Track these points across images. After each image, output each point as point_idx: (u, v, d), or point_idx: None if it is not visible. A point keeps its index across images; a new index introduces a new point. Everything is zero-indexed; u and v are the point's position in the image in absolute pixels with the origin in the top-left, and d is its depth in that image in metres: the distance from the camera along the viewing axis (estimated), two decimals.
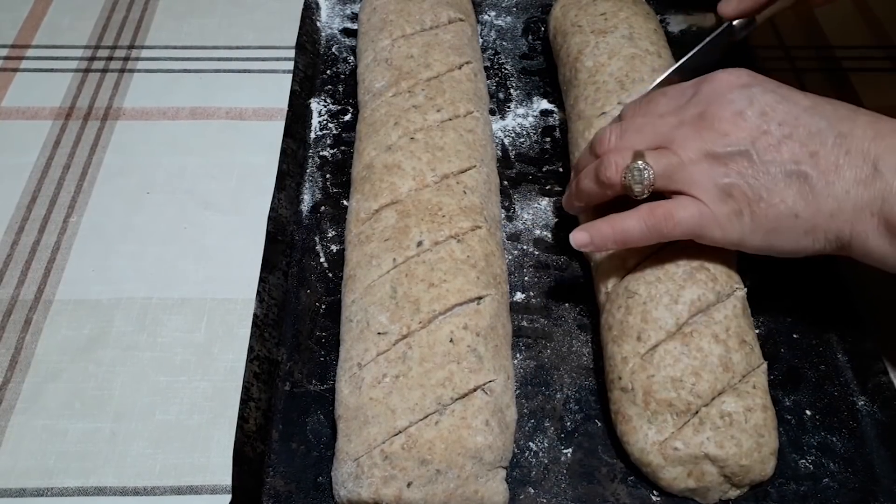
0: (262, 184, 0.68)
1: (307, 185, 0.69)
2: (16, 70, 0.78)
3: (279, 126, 0.70)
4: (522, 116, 0.75)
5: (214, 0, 0.86)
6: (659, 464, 0.50)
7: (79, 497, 0.52)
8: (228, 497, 0.49)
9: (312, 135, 0.73)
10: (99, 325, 0.60)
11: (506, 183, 0.69)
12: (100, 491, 0.52)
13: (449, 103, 0.65)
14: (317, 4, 0.83)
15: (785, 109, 0.50)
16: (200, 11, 0.85)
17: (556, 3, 0.76)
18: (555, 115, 0.75)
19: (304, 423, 0.55)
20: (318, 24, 0.82)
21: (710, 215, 0.50)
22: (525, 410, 0.56)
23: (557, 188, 0.69)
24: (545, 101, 0.76)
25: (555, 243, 0.65)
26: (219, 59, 0.80)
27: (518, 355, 0.58)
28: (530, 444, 0.54)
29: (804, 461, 0.53)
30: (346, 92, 0.76)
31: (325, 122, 0.74)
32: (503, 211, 0.67)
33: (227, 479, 0.52)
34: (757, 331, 0.57)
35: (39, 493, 0.52)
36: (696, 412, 0.50)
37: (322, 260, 0.64)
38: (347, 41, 0.81)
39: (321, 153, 0.71)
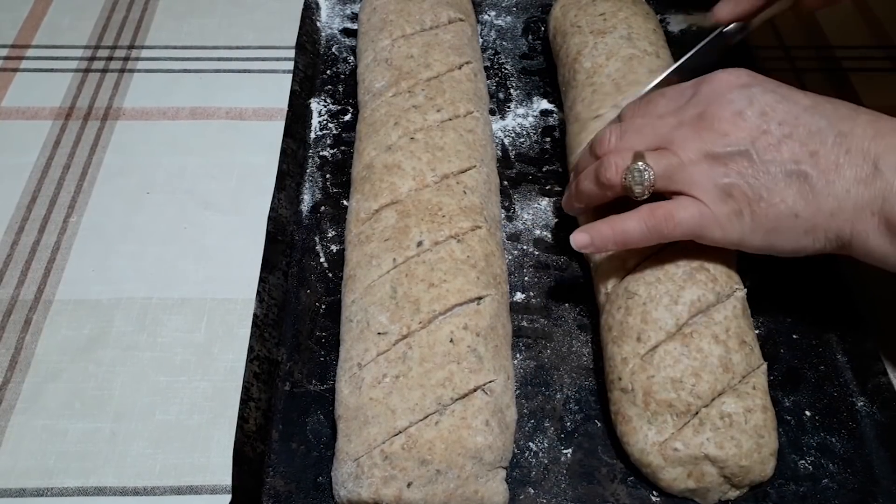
0: (262, 184, 0.68)
1: (307, 185, 0.69)
2: (16, 70, 0.78)
3: (279, 126, 0.70)
4: (522, 116, 0.75)
5: (214, 0, 0.86)
6: (659, 464, 0.50)
7: (79, 497, 0.52)
8: (228, 497, 0.50)
9: (312, 135, 0.73)
10: (99, 325, 0.60)
11: (506, 183, 0.69)
12: (100, 491, 0.52)
13: (449, 103, 0.65)
14: (317, 4, 0.83)
15: (785, 109, 0.50)
16: (200, 11, 0.85)
17: (556, 3, 0.76)
18: (555, 115, 0.75)
19: (304, 423, 0.55)
20: (318, 24, 0.82)
21: (711, 216, 0.50)
22: (525, 410, 0.56)
23: (557, 188, 0.69)
24: (545, 101, 0.76)
25: (555, 243, 0.65)
26: (219, 59, 0.80)
27: (518, 355, 0.58)
28: (530, 444, 0.54)
29: (804, 462, 0.53)
30: (346, 92, 0.76)
31: (325, 122, 0.74)
32: (503, 211, 0.67)
33: (227, 479, 0.52)
34: (757, 331, 0.57)
35: (39, 493, 0.52)
36: (696, 413, 0.50)
37: (322, 260, 0.64)
38: (347, 41, 0.81)
39: (321, 153, 0.71)
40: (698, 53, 0.62)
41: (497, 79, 0.78)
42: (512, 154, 0.72)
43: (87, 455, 0.54)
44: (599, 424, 0.55)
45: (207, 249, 0.65)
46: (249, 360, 0.55)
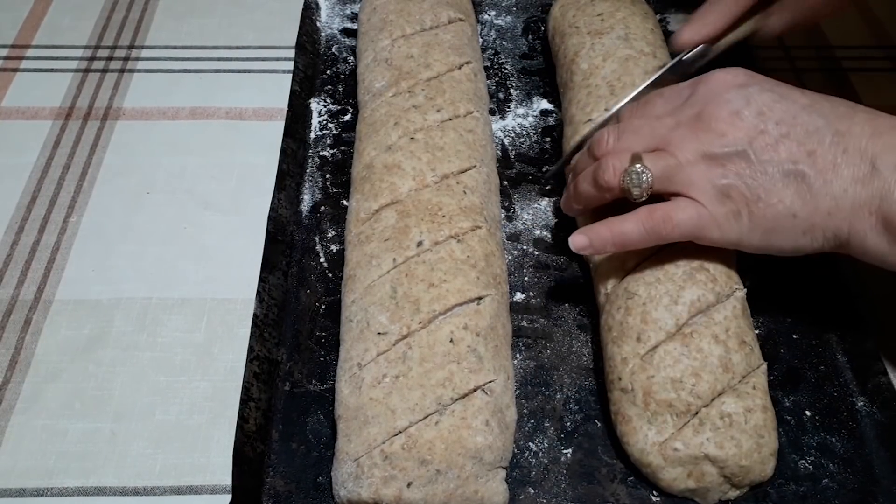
0: (262, 184, 0.68)
1: (307, 185, 0.69)
2: (16, 70, 0.78)
3: (279, 126, 0.70)
4: (522, 116, 0.75)
5: (214, 0, 0.86)
6: (659, 464, 0.50)
7: (79, 497, 0.52)
8: (228, 497, 0.50)
9: (312, 135, 0.73)
10: (99, 325, 0.60)
11: (506, 183, 0.69)
12: (100, 491, 0.52)
13: (449, 103, 0.65)
14: (317, 4, 0.83)
15: (782, 108, 0.50)
16: (200, 11, 0.85)
17: (555, 3, 0.76)
18: (555, 115, 0.75)
19: (304, 423, 0.55)
20: (318, 24, 0.82)
21: (709, 216, 0.50)
22: (525, 410, 0.56)
23: (557, 188, 0.69)
24: (545, 101, 0.76)
25: (555, 243, 0.65)
26: (219, 59, 0.80)
27: (518, 355, 0.58)
28: (530, 444, 0.54)
29: (804, 462, 0.53)
30: (346, 92, 0.76)
31: (325, 122, 0.74)
32: (503, 211, 0.67)
33: (227, 479, 0.52)
34: (757, 331, 0.57)
35: (39, 493, 0.52)
36: (696, 413, 0.50)
37: (322, 260, 0.64)
38: (347, 41, 0.81)
39: (321, 153, 0.71)
40: (658, 80, 0.61)
41: (497, 79, 0.78)
42: (512, 154, 0.72)
43: (87, 455, 0.54)
44: (599, 424, 0.55)
45: (207, 249, 0.65)
46: (249, 360, 0.55)
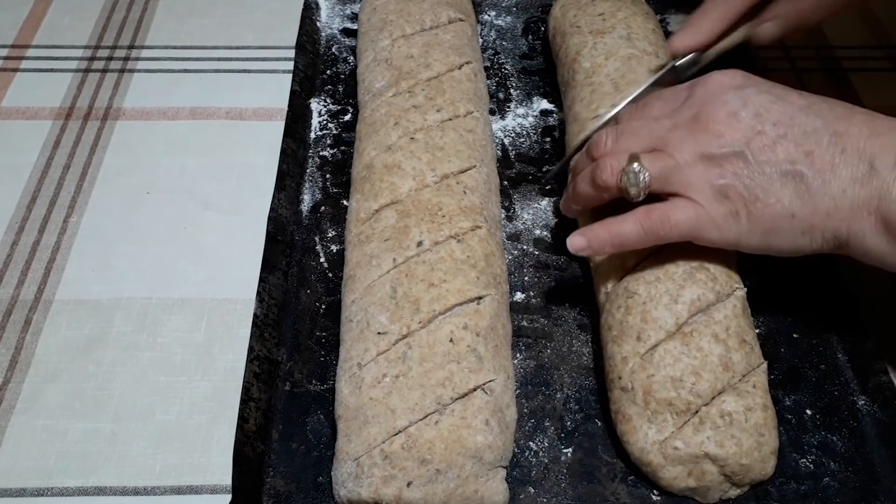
0: (262, 184, 0.68)
1: (307, 185, 0.69)
2: (16, 70, 0.78)
3: (279, 126, 0.70)
4: (522, 116, 0.75)
5: (214, 0, 0.86)
6: (659, 463, 0.50)
7: (79, 497, 0.52)
8: (228, 497, 0.49)
9: (312, 135, 0.73)
10: (99, 325, 0.60)
11: (506, 183, 0.69)
12: (100, 491, 0.52)
13: (449, 103, 0.65)
14: (317, 4, 0.83)
15: (780, 109, 0.50)
16: (200, 11, 0.85)
17: (556, 3, 0.76)
18: (555, 115, 0.75)
19: (304, 423, 0.55)
20: (318, 24, 0.82)
21: (707, 217, 0.50)
22: (525, 410, 0.56)
23: (557, 188, 0.69)
24: (545, 101, 0.76)
25: (555, 243, 0.65)
26: (219, 59, 0.80)
27: (518, 355, 0.58)
28: (530, 443, 0.54)
29: (804, 460, 0.53)
30: (346, 92, 0.76)
31: (325, 122, 0.74)
32: (503, 211, 0.67)
33: (227, 479, 0.52)
34: (757, 331, 0.57)
35: (39, 492, 0.52)
36: (697, 412, 0.50)
37: (322, 260, 0.64)
38: (347, 41, 0.81)
39: (321, 153, 0.71)
40: (651, 87, 0.61)
41: (497, 79, 0.78)
42: (512, 154, 0.72)
43: (87, 455, 0.54)
44: (599, 424, 0.55)
45: (207, 249, 0.65)
46: (249, 360, 0.55)
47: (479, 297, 0.54)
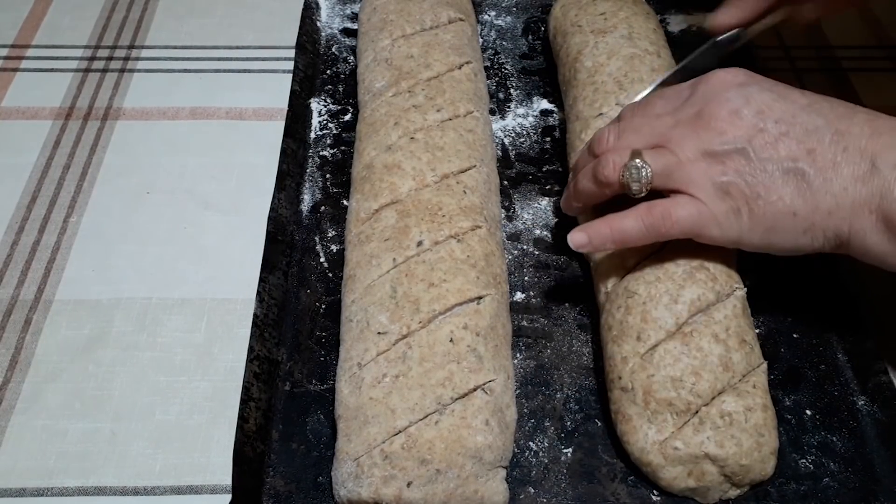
0: (262, 184, 0.68)
1: (307, 185, 0.69)
2: (16, 70, 0.78)
3: (279, 126, 0.70)
4: (522, 116, 0.75)
5: (214, 0, 0.86)
6: (659, 463, 0.50)
7: (79, 497, 0.52)
8: (228, 497, 0.49)
9: (312, 135, 0.73)
10: (99, 325, 0.60)
11: (506, 183, 0.69)
12: (100, 491, 0.52)
13: (449, 103, 0.65)
14: (317, 4, 0.83)
15: (782, 107, 0.50)
16: (200, 11, 0.85)
17: (556, 3, 0.76)
18: (555, 115, 0.75)
19: (304, 423, 0.55)
20: (318, 24, 0.82)
21: (709, 214, 0.50)
22: (525, 410, 0.56)
23: (557, 188, 0.69)
24: (545, 101, 0.76)
25: (555, 243, 0.65)
26: (219, 59, 0.80)
27: (518, 355, 0.58)
28: (530, 443, 0.54)
29: (804, 461, 0.53)
30: (346, 92, 0.76)
31: (325, 122, 0.74)
32: (503, 211, 0.67)
33: (227, 479, 0.52)
34: (757, 330, 0.57)
35: (39, 492, 0.52)
36: (696, 412, 0.50)
37: (322, 260, 0.64)
38: (347, 41, 0.81)
39: (321, 153, 0.71)
40: (695, 59, 0.62)
41: (497, 79, 0.78)
42: (512, 154, 0.72)
43: (87, 455, 0.54)
44: (599, 424, 0.55)
45: (207, 249, 0.65)
46: (249, 360, 0.55)
47: (479, 297, 0.54)
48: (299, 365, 0.58)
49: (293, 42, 0.77)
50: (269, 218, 0.63)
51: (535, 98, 0.76)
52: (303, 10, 0.80)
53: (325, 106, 0.75)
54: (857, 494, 0.52)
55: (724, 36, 0.61)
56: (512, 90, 0.77)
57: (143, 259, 0.64)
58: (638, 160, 0.51)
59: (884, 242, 0.47)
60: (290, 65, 0.75)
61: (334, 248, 0.65)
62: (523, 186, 0.69)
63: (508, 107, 0.75)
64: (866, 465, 0.53)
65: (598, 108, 0.64)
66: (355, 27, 0.81)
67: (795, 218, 0.49)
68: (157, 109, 0.75)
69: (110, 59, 0.80)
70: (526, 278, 0.63)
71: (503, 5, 0.85)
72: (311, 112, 0.74)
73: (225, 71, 0.79)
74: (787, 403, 0.56)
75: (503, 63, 0.79)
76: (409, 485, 0.48)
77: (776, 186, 0.49)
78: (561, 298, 0.62)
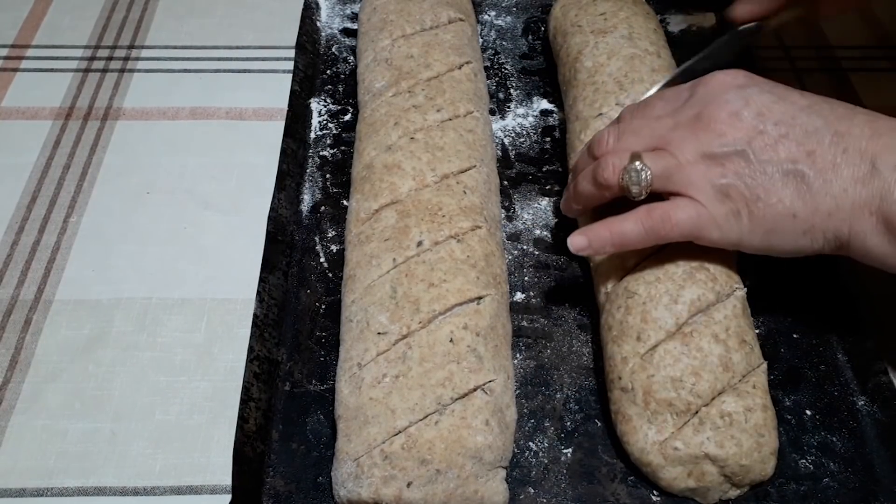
0: (262, 184, 0.68)
1: (307, 185, 0.69)
2: (16, 70, 0.78)
3: (279, 126, 0.70)
4: (522, 116, 0.75)
5: (214, 0, 0.86)
6: (659, 464, 0.50)
7: (79, 497, 0.52)
8: (228, 497, 0.49)
9: (312, 135, 0.73)
10: (99, 325, 0.60)
11: (506, 183, 0.69)
12: (100, 491, 0.52)
13: (449, 103, 0.65)
14: (317, 4, 0.83)
15: (781, 109, 0.50)
16: (200, 11, 0.85)
17: (556, 3, 0.76)
18: (555, 115, 0.75)
19: (304, 423, 0.55)
20: (318, 24, 0.82)
21: (708, 216, 0.50)
22: (525, 410, 0.56)
23: (557, 188, 0.69)
24: (545, 101, 0.76)
25: (555, 243, 0.65)
26: (219, 59, 0.80)
27: (518, 355, 0.58)
28: (530, 444, 0.54)
29: (804, 461, 0.53)
30: (346, 92, 0.76)
31: (325, 122, 0.74)
32: (503, 211, 0.67)
33: (227, 479, 0.52)
34: (757, 331, 0.57)
35: (39, 493, 0.52)
36: (696, 412, 0.50)
37: (322, 260, 0.64)
38: (347, 41, 0.81)
39: (321, 153, 0.71)
40: (706, 56, 0.62)
41: (497, 79, 0.78)
42: (512, 154, 0.72)
43: (87, 455, 0.54)
44: (599, 424, 0.55)
45: (207, 249, 0.65)
46: (249, 360, 0.55)
47: (479, 297, 0.54)
48: (299, 365, 0.58)
49: (293, 42, 0.77)
50: (269, 218, 0.63)
51: (535, 98, 0.76)
52: (303, 10, 0.80)
53: (325, 106, 0.75)
54: (857, 494, 0.52)
55: (745, 27, 0.61)
56: (512, 90, 0.77)
57: (143, 259, 0.64)
58: (637, 163, 0.51)
59: (884, 244, 0.47)
60: (290, 65, 0.75)
61: (334, 248, 0.65)
62: (523, 186, 0.69)
63: (508, 107, 0.75)
64: (866, 466, 0.53)
65: (597, 109, 0.64)
66: (355, 27, 0.81)
67: (795, 220, 0.49)
68: (157, 109, 0.75)
69: (110, 59, 0.80)
70: (526, 278, 0.63)
71: (503, 5, 0.85)
72: (311, 112, 0.74)
73: (225, 71, 0.79)
74: (787, 404, 0.56)
75: (503, 63, 0.79)
76: (409, 485, 0.48)
77: (776, 188, 0.49)
78: (561, 298, 0.62)
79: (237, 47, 0.81)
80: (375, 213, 0.59)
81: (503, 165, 0.70)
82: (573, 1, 0.74)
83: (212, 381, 0.57)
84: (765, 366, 0.52)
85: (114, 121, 0.74)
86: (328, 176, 0.70)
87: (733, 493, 0.51)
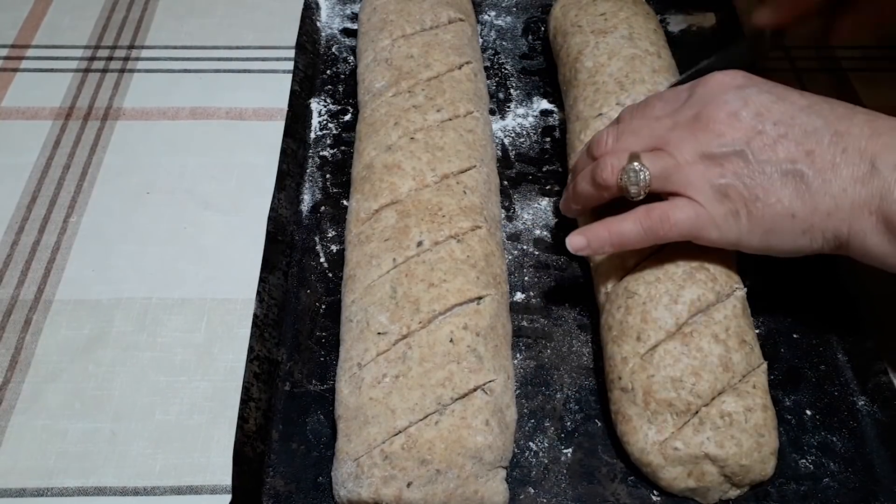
0: (262, 184, 0.68)
1: (307, 185, 0.69)
2: (16, 70, 0.78)
3: (279, 126, 0.70)
4: (522, 116, 0.75)
5: (214, 0, 0.86)
6: (659, 464, 0.50)
7: (79, 497, 0.52)
8: (228, 497, 0.50)
9: (312, 135, 0.73)
10: (99, 325, 0.60)
11: (506, 183, 0.69)
12: (100, 491, 0.52)
13: (449, 103, 0.65)
14: (317, 4, 0.83)
15: (781, 109, 0.50)
16: (200, 11, 0.85)
17: (556, 3, 0.76)
18: (555, 115, 0.75)
19: (304, 423, 0.55)
20: (318, 24, 0.82)
21: (707, 216, 0.50)
22: (525, 410, 0.56)
23: (557, 188, 0.69)
24: (545, 101, 0.76)
25: (555, 243, 0.65)
26: (219, 59, 0.80)
27: (518, 355, 0.58)
28: (530, 444, 0.54)
29: (804, 461, 0.53)
30: (346, 92, 0.76)
31: (325, 122, 0.74)
32: (503, 211, 0.67)
33: (227, 479, 0.52)
34: (757, 331, 0.57)
35: (39, 493, 0.52)
36: (696, 412, 0.50)
37: (322, 260, 0.64)
38: (347, 41, 0.81)
39: (321, 153, 0.71)
40: (725, 57, 0.62)
41: (497, 79, 0.78)
42: (512, 154, 0.72)
43: (87, 455, 0.54)
44: (599, 424, 0.55)
45: (207, 249, 0.65)
46: (249, 360, 0.55)
47: (479, 297, 0.54)
48: (299, 365, 0.58)
49: (293, 42, 0.77)
50: (269, 218, 0.63)
51: (535, 98, 0.76)
52: (303, 10, 0.80)
53: (325, 106, 0.75)
54: (857, 495, 0.52)
55: (769, 32, 0.61)
56: (512, 90, 0.77)
57: (143, 259, 0.64)
58: (636, 163, 0.51)
59: (884, 244, 0.47)
60: (290, 65, 0.75)
61: (334, 248, 0.65)
62: (523, 186, 0.69)
63: (508, 107, 0.75)
64: (866, 466, 0.53)
65: (598, 109, 0.64)
66: (355, 27, 0.81)
67: (794, 220, 0.49)
68: (157, 109, 0.75)
69: (110, 59, 0.80)
70: (526, 278, 0.63)
71: (503, 5, 0.85)
72: (311, 112, 0.74)
73: (225, 71, 0.79)
74: (787, 404, 0.56)
75: (503, 63, 0.79)
76: (409, 485, 0.48)
77: (775, 188, 0.49)
78: (561, 298, 0.62)
79: (237, 47, 0.81)
80: (375, 213, 0.59)
81: (503, 165, 0.70)
82: (573, 1, 0.74)
83: (212, 381, 0.57)
84: (765, 366, 0.52)
85: (114, 121, 0.74)
86: (328, 176, 0.70)
87: (733, 493, 0.51)
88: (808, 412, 0.56)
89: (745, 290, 0.55)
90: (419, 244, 0.56)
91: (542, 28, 0.82)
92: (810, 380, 0.57)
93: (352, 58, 0.79)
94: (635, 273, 0.55)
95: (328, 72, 0.78)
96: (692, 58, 0.65)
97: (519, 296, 0.62)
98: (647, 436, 0.50)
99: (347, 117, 0.74)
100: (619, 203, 0.54)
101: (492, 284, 0.55)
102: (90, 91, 0.77)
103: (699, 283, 0.53)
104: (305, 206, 0.67)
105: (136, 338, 0.60)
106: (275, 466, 0.53)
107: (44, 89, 0.77)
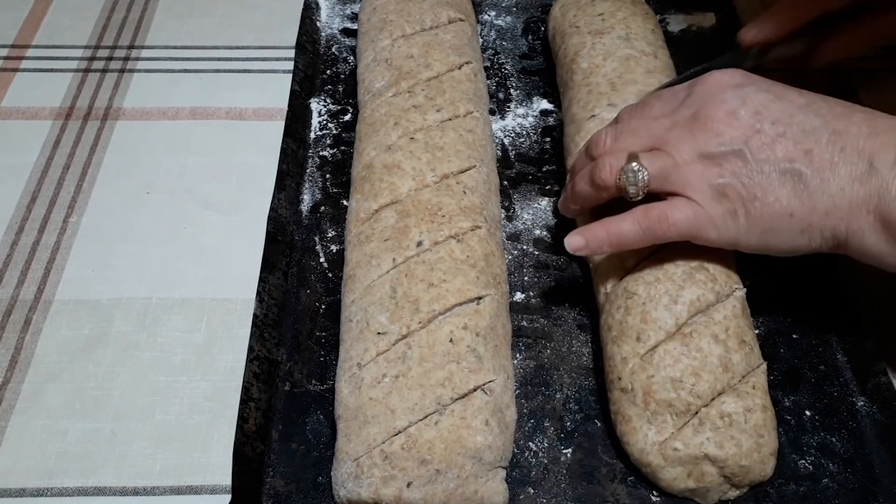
0: (262, 184, 0.68)
1: (307, 185, 0.69)
2: (16, 70, 0.78)
3: (279, 126, 0.70)
4: (522, 116, 0.75)
5: (214, 0, 0.86)
6: (659, 464, 0.50)
7: (79, 497, 0.52)
8: (228, 497, 0.50)
9: (312, 135, 0.73)
10: (99, 325, 0.60)
11: (506, 183, 0.69)
12: (100, 491, 0.53)
13: (449, 103, 0.65)
14: (317, 4, 0.83)
15: (779, 108, 0.50)
16: (200, 11, 0.85)
17: (556, 4, 0.76)
18: (555, 115, 0.75)
19: (304, 423, 0.55)
20: (318, 24, 0.82)
21: (705, 216, 0.50)
22: (525, 410, 0.56)
23: (557, 188, 0.69)
24: (545, 101, 0.76)
25: (555, 243, 0.65)
26: (219, 59, 0.80)
27: (518, 355, 0.58)
28: (530, 444, 0.54)
29: (804, 461, 0.53)
30: (346, 92, 0.76)
31: (325, 122, 0.74)
32: (503, 211, 0.67)
33: (227, 479, 0.52)
34: (757, 331, 0.57)
35: (39, 493, 0.52)
36: (696, 412, 0.50)
37: (322, 260, 0.64)
38: (347, 41, 0.81)
39: (321, 153, 0.71)
40: (715, 66, 0.62)
41: (497, 79, 0.78)
42: (512, 154, 0.72)
43: (87, 455, 0.54)
44: (599, 424, 0.55)
45: (207, 249, 0.65)
46: (249, 360, 0.55)
47: (479, 297, 0.54)
48: (299, 365, 0.58)
49: (293, 42, 0.77)
50: (269, 218, 0.63)
51: (535, 98, 0.76)
52: (303, 10, 0.80)
53: (325, 106, 0.75)
54: (857, 495, 0.52)
55: (753, 49, 0.62)
56: (512, 90, 0.77)
57: (143, 259, 0.64)
58: (634, 163, 0.51)
59: (882, 242, 0.47)
60: (290, 65, 0.75)
61: (334, 248, 0.65)
62: (523, 186, 0.69)
63: (508, 107, 0.75)
64: (866, 466, 0.53)
65: (590, 110, 0.63)
66: (355, 27, 0.81)
67: (792, 219, 0.49)
68: (157, 109, 0.75)
69: (110, 59, 0.80)
70: (526, 278, 0.63)
71: (503, 5, 0.85)
72: (311, 112, 0.74)
73: (225, 71, 0.79)
74: (787, 404, 0.56)
75: (503, 63, 0.79)
76: (408, 485, 0.48)
77: (773, 188, 0.49)
78: (561, 298, 0.62)
79: (237, 47, 0.81)
80: (375, 213, 0.59)
81: (503, 165, 0.70)
82: (572, 1, 0.74)
83: (212, 381, 0.57)
84: (764, 366, 0.52)
85: (114, 121, 0.74)
86: (328, 176, 0.70)
87: (733, 493, 0.51)
88: (808, 413, 0.56)
89: (745, 290, 0.55)
90: (419, 244, 0.56)
91: (542, 28, 0.82)
92: (810, 380, 0.57)
93: (352, 58, 0.79)
94: (635, 273, 0.55)
95: (328, 72, 0.78)
96: (692, 58, 0.65)
97: (519, 296, 0.62)
98: (646, 436, 0.50)
99: (347, 117, 0.74)
100: (618, 203, 0.54)
101: (492, 284, 0.55)
102: (90, 91, 0.77)
103: (699, 283, 0.53)
104: (305, 206, 0.68)
105: (136, 338, 0.60)
106: (275, 466, 0.53)
107: (44, 89, 0.77)
